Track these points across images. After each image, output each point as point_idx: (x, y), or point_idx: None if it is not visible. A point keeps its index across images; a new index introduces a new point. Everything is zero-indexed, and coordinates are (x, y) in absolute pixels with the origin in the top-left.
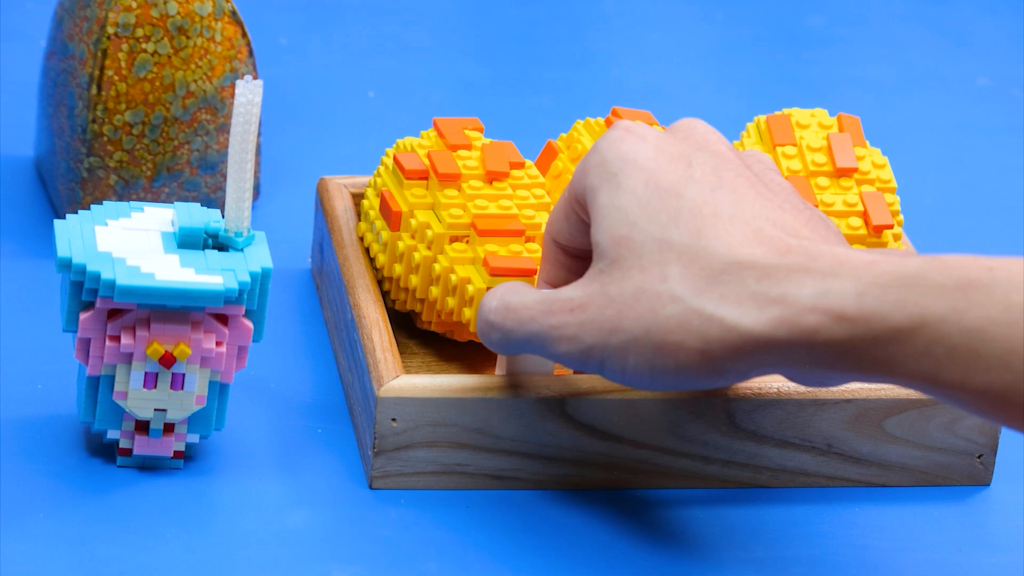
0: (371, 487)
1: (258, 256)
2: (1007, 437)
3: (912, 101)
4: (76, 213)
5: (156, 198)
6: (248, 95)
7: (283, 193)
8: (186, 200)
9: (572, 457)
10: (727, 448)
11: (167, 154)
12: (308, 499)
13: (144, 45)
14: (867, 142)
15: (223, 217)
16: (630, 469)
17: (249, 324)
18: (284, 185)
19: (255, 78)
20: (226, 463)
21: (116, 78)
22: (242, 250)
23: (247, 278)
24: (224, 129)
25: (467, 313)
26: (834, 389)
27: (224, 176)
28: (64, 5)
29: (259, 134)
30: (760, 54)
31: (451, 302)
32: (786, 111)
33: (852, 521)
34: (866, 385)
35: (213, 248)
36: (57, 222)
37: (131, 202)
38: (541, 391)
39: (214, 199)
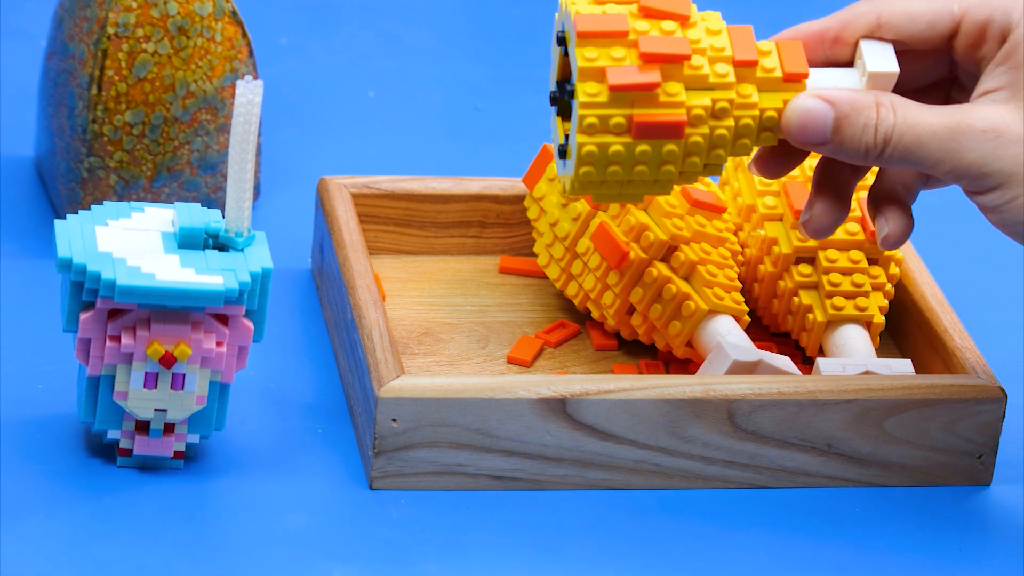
0: (371, 487)
1: (258, 256)
2: (1007, 437)
3: None
4: (76, 213)
5: (156, 198)
6: (248, 95)
7: (283, 193)
8: (186, 200)
9: (572, 457)
10: (728, 449)
11: (167, 154)
12: (308, 499)
13: (144, 45)
14: None
15: (223, 217)
16: (630, 469)
17: (249, 324)
18: (284, 185)
19: (255, 78)
20: (226, 463)
21: (116, 78)
22: (242, 250)
23: (247, 278)
24: (224, 129)
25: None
26: (834, 389)
27: (224, 176)
28: (64, 5)
29: (259, 134)
30: None
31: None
32: None
33: (852, 521)
34: (866, 385)
35: (213, 248)
36: (57, 222)
37: (131, 202)
38: (541, 391)
39: (214, 199)
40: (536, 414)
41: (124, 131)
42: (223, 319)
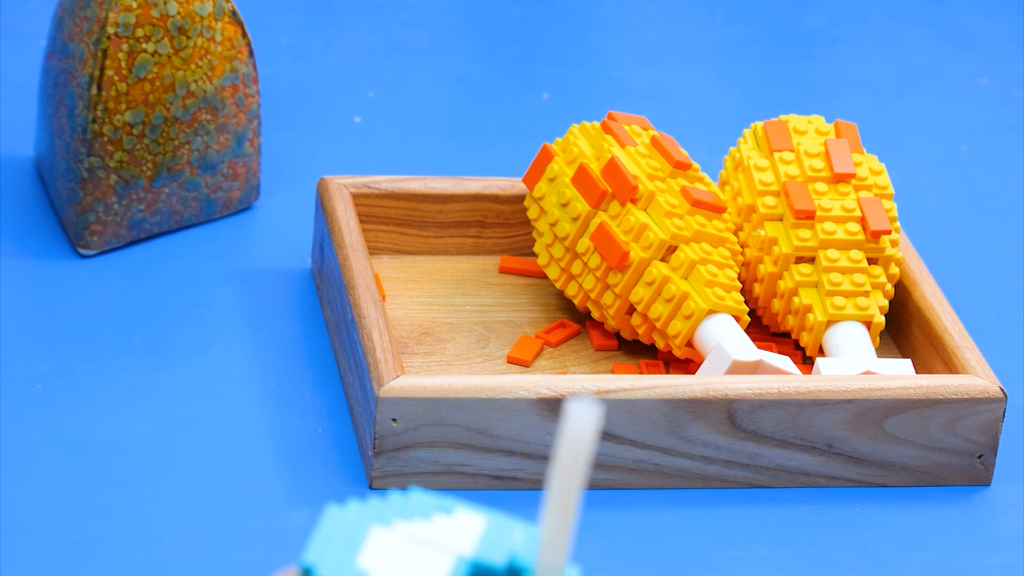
0: (371, 487)
1: None
2: (1007, 437)
3: (912, 101)
4: (369, 494)
5: (156, 197)
6: (581, 422)
7: (283, 193)
8: (185, 199)
9: None
10: (727, 448)
11: (167, 154)
12: (308, 499)
13: (144, 45)
14: (864, 149)
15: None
16: (630, 469)
17: None
18: (284, 185)
19: (255, 78)
20: (226, 463)
21: (116, 78)
22: None
23: None
24: (224, 129)
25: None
26: (834, 389)
27: (225, 177)
28: (64, 5)
29: (259, 134)
30: (760, 54)
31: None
32: (783, 117)
33: (852, 521)
34: (866, 385)
35: None
36: (331, 508)
37: (446, 498)
38: (541, 391)
39: (214, 199)
40: (536, 414)
41: (124, 131)
42: None
